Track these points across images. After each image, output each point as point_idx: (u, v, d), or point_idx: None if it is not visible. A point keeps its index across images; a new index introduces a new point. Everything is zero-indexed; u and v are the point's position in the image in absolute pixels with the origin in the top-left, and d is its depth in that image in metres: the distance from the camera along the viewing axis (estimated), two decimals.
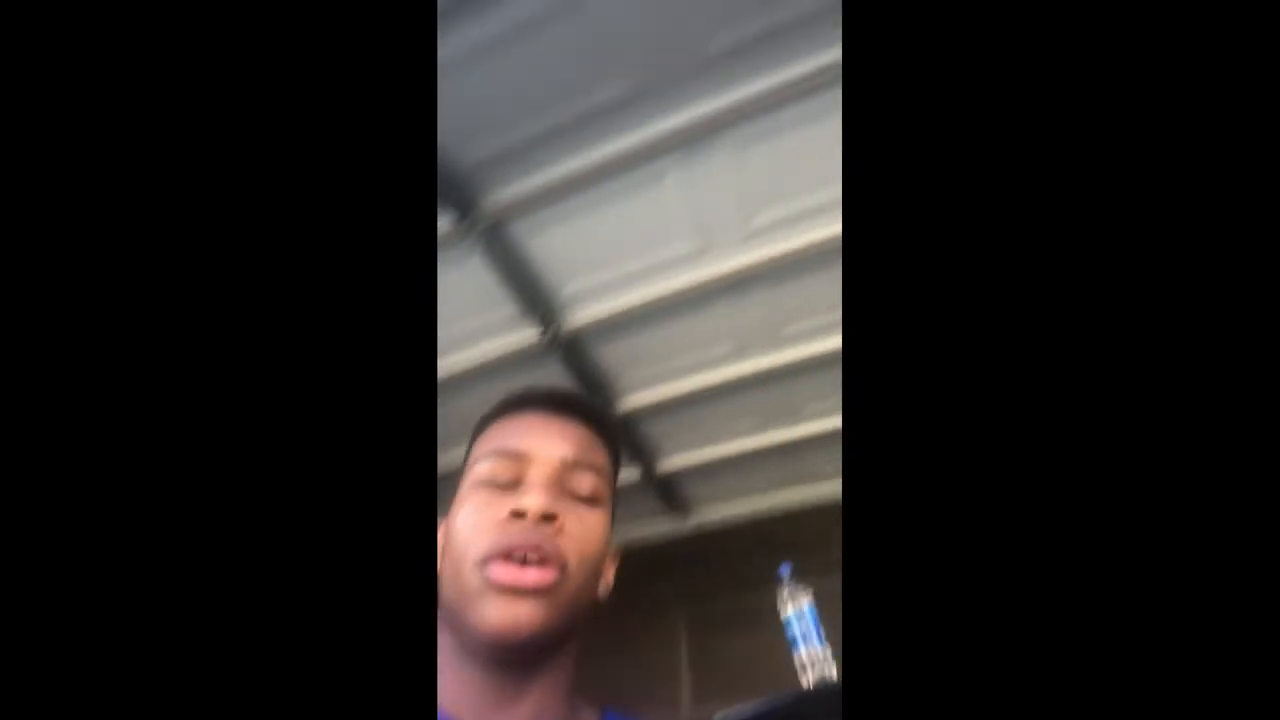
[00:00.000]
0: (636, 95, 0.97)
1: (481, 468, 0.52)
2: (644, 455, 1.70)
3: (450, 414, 1.40)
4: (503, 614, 0.45)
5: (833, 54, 0.94)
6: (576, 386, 1.46)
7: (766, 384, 1.49)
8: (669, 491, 1.86)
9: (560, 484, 0.51)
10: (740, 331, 1.38)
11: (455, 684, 0.47)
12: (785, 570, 0.93)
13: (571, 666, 0.52)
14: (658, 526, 1.98)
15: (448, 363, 1.37)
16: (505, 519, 0.48)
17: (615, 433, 0.58)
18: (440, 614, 0.50)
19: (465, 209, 1.07)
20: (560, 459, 0.51)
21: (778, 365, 1.43)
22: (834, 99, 0.98)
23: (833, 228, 1.15)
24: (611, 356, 1.42)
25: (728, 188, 1.10)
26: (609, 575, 0.54)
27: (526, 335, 1.32)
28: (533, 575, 0.45)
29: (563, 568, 0.47)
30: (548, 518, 0.47)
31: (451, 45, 0.86)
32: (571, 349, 1.35)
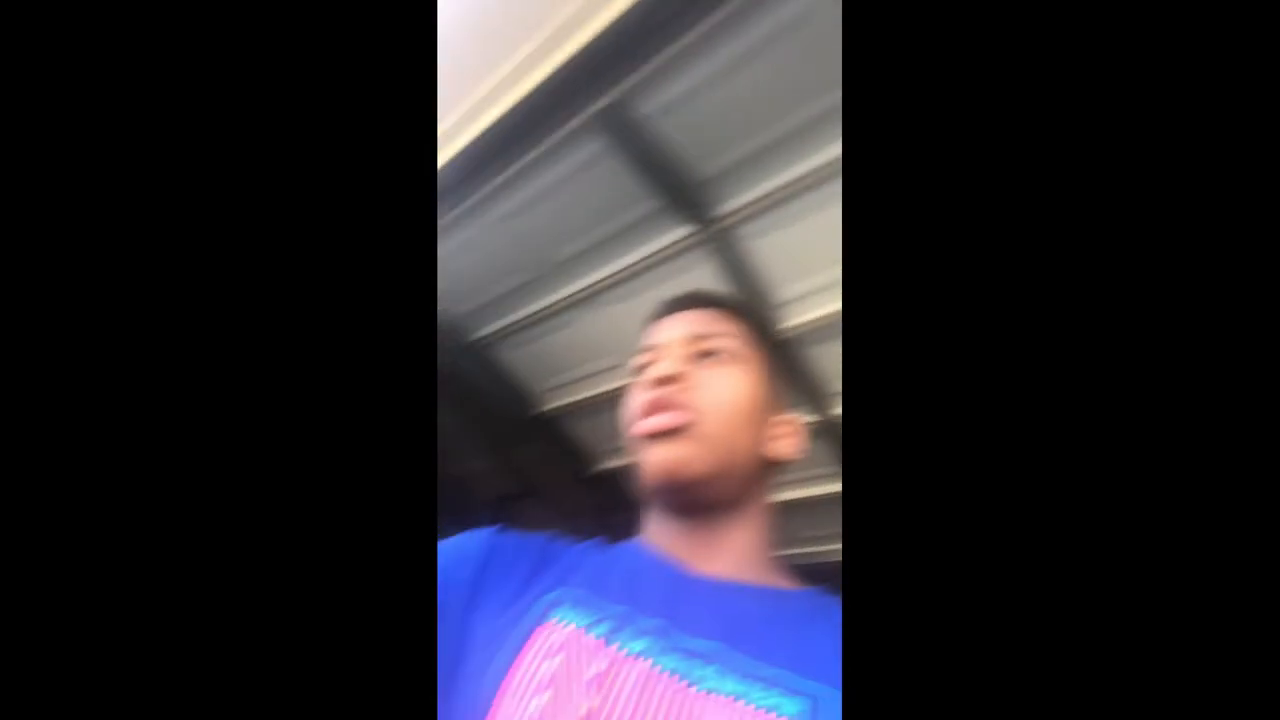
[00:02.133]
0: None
1: (633, 366, 0.63)
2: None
3: None
4: (656, 457, 0.53)
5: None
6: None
7: None
8: None
9: (684, 352, 0.58)
10: None
11: (665, 534, 0.56)
12: None
13: (764, 525, 0.58)
14: None
15: None
16: (645, 388, 0.56)
17: (747, 307, 0.68)
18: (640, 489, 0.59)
19: (702, 218, 1.32)
20: (685, 333, 0.59)
21: None
22: None
23: None
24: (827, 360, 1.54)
25: None
26: (783, 441, 0.59)
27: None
28: (666, 419, 0.53)
29: (695, 410, 0.54)
30: (670, 379, 0.55)
31: (686, 78, 1.13)
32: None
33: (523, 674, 0.44)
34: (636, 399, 0.57)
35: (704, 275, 1.42)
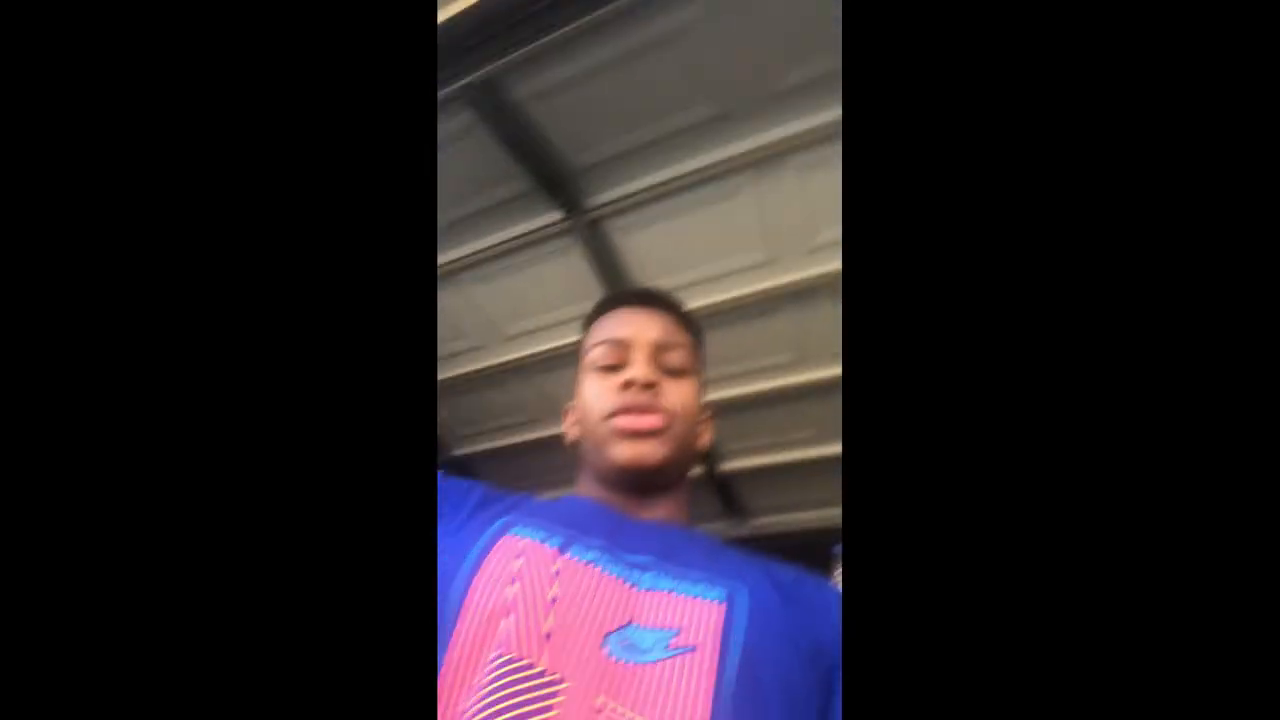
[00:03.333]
0: (717, 118, 1.17)
1: (595, 354, 0.71)
2: (706, 457, 1.85)
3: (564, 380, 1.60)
4: (631, 451, 0.63)
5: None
6: None
7: (825, 396, 1.61)
8: (727, 493, 1.98)
9: (655, 360, 0.68)
10: (801, 342, 1.52)
11: (604, 496, 0.66)
12: (838, 549, 1.07)
13: (686, 498, 0.70)
14: (715, 526, 2.10)
15: (551, 340, 1.60)
16: (620, 386, 0.66)
17: (692, 318, 0.77)
18: (582, 462, 0.70)
19: (571, 207, 1.30)
20: (653, 340, 0.69)
21: (835, 378, 1.55)
22: None
23: None
24: None
25: (794, 206, 1.27)
26: (706, 435, 0.73)
27: None
28: (648, 420, 0.64)
29: (669, 416, 0.65)
30: (650, 385, 0.65)
31: (569, 66, 1.10)
32: None
33: (491, 572, 0.52)
34: (610, 393, 0.66)
35: (574, 261, 1.40)
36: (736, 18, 1.01)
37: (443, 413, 1.85)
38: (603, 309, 0.76)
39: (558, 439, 0.76)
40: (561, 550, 0.54)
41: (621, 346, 0.69)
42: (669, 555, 0.56)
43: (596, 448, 0.66)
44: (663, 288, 1.43)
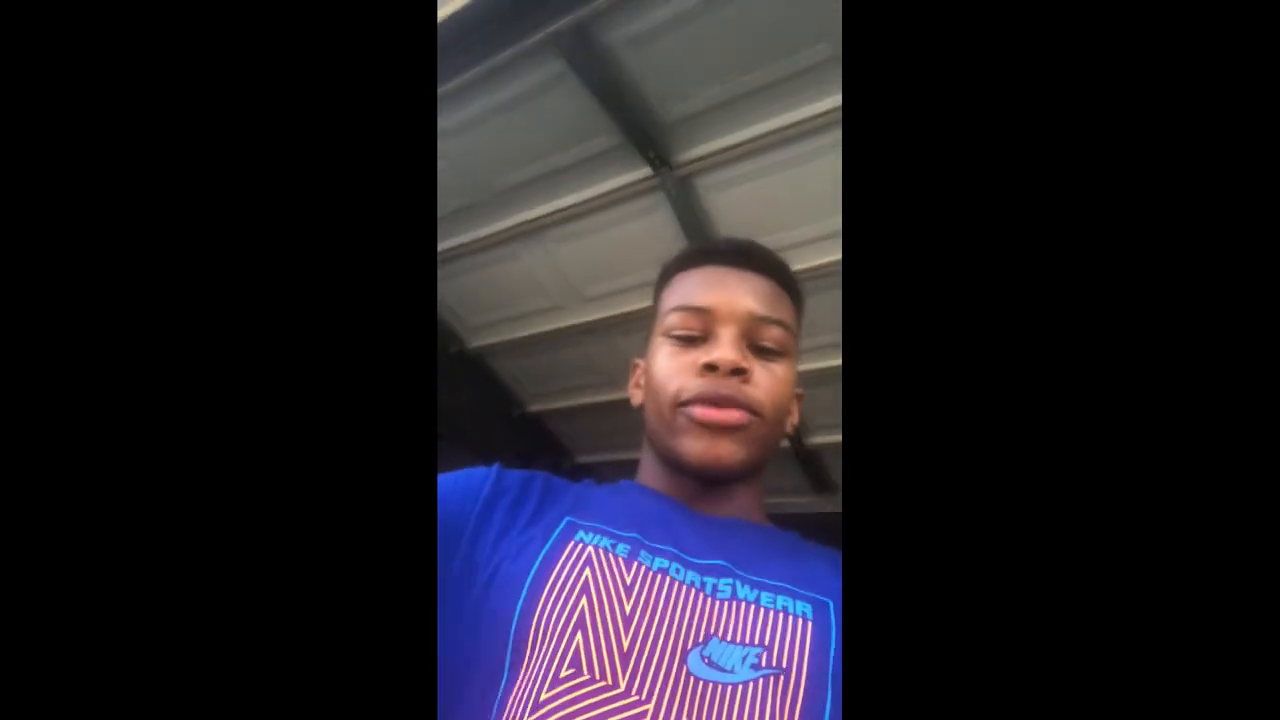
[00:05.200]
0: (831, 59, 1.05)
1: (672, 320, 0.58)
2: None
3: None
4: (706, 448, 0.53)
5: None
6: None
7: None
8: (815, 469, 1.89)
9: (747, 338, 0.56)
10: None
11: (669, 482, 0.57)
12: None
13: (761, 483, 0.61)
14: (802, 501, 2.02)
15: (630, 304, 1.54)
16: (700, 369, 0.54)
17: (796, 282, 0.62)
18: (647, 439, 0.60)
19: (662, 162, 1.22)
20: (746, 313, 0.56)
21: None
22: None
23: None
24: None
25: None
26: (795, 414, 0.61)
27: None
28: (731, 415, 0.53)
29: (756, 412, 0.54)
30: (738, 371, 0.53)
31: (665, 8, 1.01)
32: None
33: (561, 581, 0.46)
34: (687, 373, 0.55)
35: (660, 221, 1.33)
36: None
37: (513, 369, 1.85)
38: (686, 262, 0.62)
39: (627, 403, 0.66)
40: (630, 558, 0.48)
41: (706, 316, 0.56)
42: (747, 560, 0.50)
43: (665, 434, 0.55)
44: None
